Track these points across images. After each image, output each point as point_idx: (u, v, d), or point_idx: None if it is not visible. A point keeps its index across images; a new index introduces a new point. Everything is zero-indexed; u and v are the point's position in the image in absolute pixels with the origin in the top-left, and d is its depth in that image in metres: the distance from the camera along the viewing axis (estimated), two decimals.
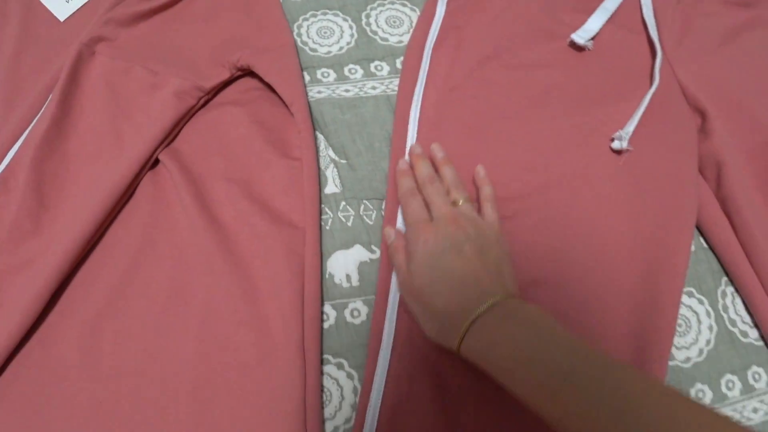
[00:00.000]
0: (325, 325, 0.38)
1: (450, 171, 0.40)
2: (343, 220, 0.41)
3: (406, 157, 0.42)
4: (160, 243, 0.41)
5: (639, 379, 0.27)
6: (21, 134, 0.45)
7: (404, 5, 0.50)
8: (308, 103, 0.44)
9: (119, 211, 0.42)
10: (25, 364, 0.38)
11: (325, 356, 0.38)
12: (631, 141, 0.41)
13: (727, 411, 0.38)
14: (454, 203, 0.38)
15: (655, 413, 0.25)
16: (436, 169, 0.41)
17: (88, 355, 0.38)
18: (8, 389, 0.37)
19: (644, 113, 0.42)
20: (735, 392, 0.38)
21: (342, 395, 0.37)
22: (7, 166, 0.44)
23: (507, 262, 0.36)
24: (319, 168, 0.42)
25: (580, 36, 0.44)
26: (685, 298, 0.40)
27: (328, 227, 0.41)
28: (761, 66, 0.45)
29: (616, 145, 0.41)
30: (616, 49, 0.46)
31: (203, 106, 0.46)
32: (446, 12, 0.47)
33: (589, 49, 0.45)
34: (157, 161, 0.44)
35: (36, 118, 0.45)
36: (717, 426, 0.24)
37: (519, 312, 0.32)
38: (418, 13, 0.50)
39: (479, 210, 0.40)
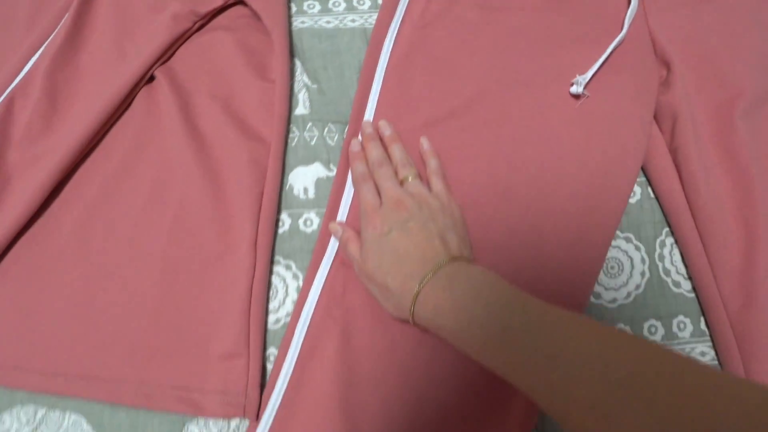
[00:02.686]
0: (280, 230, 0.48)
1: (398, 149, 0.47)
2: (308, 139, 0.50)
3: (361, 134, 0.49)
4: (148, 148, 0.51)
5: (573, 323, 0.32)
6: (39, 47, 0.56)
7: None
8: (289, 31, 0.53)
9: (117, 119, 0.53)
10: (28, 244, 0.50)
11: (277, 257, 0.47)
12: (589, 87, 0.47)
13: None
14: (403, 181, 0.45)
15: (586, 353, 0.29)
16: (386, 147, 0.48)
17: (80, 239, 0.50)
18: (14, 265, 0.50)
19: (608, 61, 0.47)
20: (656, 337, 0.45)
21: (287, 292, 0.47)
22: (26, 74, 0.55)
23: (454, 228, 0.42)
24: (291, 91, 0.51)
25: None
26: (622, 243, 0.46)
27: (293, 144, 0.50)
28: (739, 20, 0.49)
29: (573, 89, 0.47)
30: None
31: (198, 30, 0.56)
32: None
33: None
34: (153, 77, 0.54)
35: (53, 34, 0.57)
36: (653, 357, 0.28)
37: (460, 274, 0.38)
38: None
39: (428, 183, 0.46)
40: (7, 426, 0.47)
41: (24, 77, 0.54)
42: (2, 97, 0.53)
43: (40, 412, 0.47)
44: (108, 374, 0.46)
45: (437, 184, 0.46)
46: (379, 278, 0.41)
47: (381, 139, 0.49)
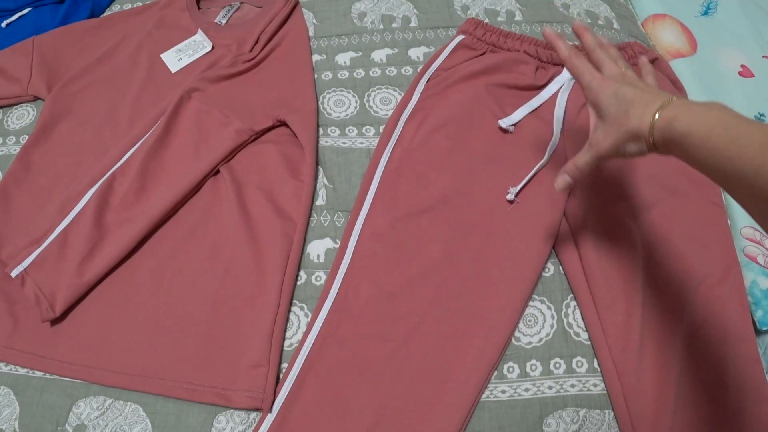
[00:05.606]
0: (299, 282, 0.76)
1: (615, 51, 0.62)
2: (323, 222, 0.80)
3: None
4: (210, 221, 0.81)
5: None
6: (138, 141, 0.88)
7: (395, 90, 0.93)
8: (317, 147, 0.85)
9: (189, 199, 0.84)
10: (115, 280, 0.79)
11: (295, 301, 0.75)
12: (519, 195, 0.77)
13: (550, 382, 0.69)
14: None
15: None
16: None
17: (155, 280, 0.78)
18: (102, 294, 0.78)
19: (533, 178, 0.78)
20: (560, 371, 0.70)
21: (299, 325, 0.74)
22: (126, 160, 0.86)
23: None
24: (315, 188, 0.82)
25: (504, 122, 0.82)
26: (538, 303, 0.73)
27: (312, 225, 0.80)
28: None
29: (508, 197, 0.77)
30: (530, 133, 0.82)
31: (253, 141, 0.88)
32: (419, 99, 0.86)
33: (510, 132, 0.82)
34: (218, 171, 0.85)
35: (148, 134, 0.89)
36: None
37: (697, 103, 0.48)
38: (402, 96, 0.90)
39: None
40: (81, 410, 0.72)
41: (124, 162, 0.86)
42: (108, 174, 0.85)
43: (108, 401, 0.73)
44: (164, 375, 0.73)
45: (652, 81, 0.61)
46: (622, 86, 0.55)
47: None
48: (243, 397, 0.69)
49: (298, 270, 0.77)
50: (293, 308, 0.75)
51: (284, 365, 0.72)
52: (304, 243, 0.79)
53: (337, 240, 0.79)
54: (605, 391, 0.69)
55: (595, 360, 0.71)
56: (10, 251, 0.83)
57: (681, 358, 0.68)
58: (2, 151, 0.95)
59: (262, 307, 0.74)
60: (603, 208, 0.77)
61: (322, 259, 0.78)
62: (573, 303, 0.74)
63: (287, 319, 0.74)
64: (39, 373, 0.75)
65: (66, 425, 0.71)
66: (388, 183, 0.80)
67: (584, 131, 0.82)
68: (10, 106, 1.01)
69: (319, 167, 0.85)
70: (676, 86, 0.88)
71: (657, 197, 0.78)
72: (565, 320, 0.73)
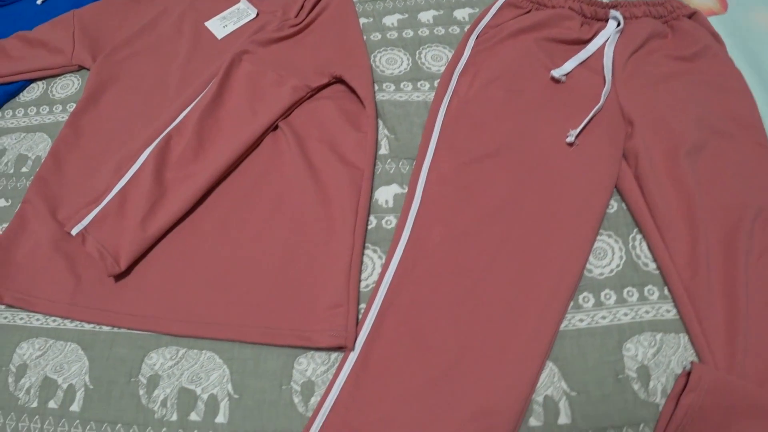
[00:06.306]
0: (370, 227, 0.79)
1: None
2: (388, 169, 0.83)
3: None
4: (273, 173, 0.83)
5: None
6: (190, 103, 0.90)
7: (445, 47, 0.96)
8: (375, 101, 0.88)
9: (249, 154, 0.85)
10: (181, 232, 0.80)
11: (367, 244, 0.77)
12: (578, 138, 0.80)
13: (625, 310, 0.72)
14: None
15: None
16: None
17: (220, 231, 0.80)
18: (167, 248, 0.79)
19: (590, 121, 0.81)
20: (633, 299, 0.73)
21: (374, 267, 0.76)
22: (181, 120, 0.88)
23: None
24: (377, 139, 0.84)
25: (557, 72, 0.85)
26: (605, 238, 0.76)
27: (378, 172, 0.83)
28: (682, 98, 0.83)
29: (568, 139, 0.80)
30: (581, 82, 0.86)
31: (309, 97, 0.90)
32: (470, 54, 0.90)
33: (562, 82, 0.86)
34: (276, 127, 0.87)
35: (201, 95, 0.90)
36: None
37: None
38: (452, 53, 0.94)
39: None
40: (154, 361, 0.73)
41: (179, 122, 0.87)
42: (163, 134, 0.86)
43: (181, 351, 0.74)
44: (238, 321, 0.74)
45: None
46: None
47: None
48: (325, 336, 0.70)
49: (369, 215, 0.79)
50: (366, 251, 0.77)
51: (362, 306, 0.74)
52: (371, 190, 0.81)
53: (404, 185, 0.82)
54: (677, 317, 0.72)
55: (665, 288, 0.74)
56: (67, 212, 0.83)
57: (745, 284, 0.71)
58: (49, 118, 0.97)
59: (336, 250, 0.75)
60: (659, 147, 0.80)
61: (390, 204, 0.80)
62: (639, 236, 0.77)
63: (362, 261, 0.76)
64: (106, 328, 0.76)
65: (140, 376, 0.72)
66: (449, 131, 0.83)
67: (632, 79, 0.86)
68: (54, 76, 1.02)
69: (379, 120, 0.88)
70: (715, 38, 0.93)
71: (707, 138, 0.82)
72: (633, 252, 0.76)
